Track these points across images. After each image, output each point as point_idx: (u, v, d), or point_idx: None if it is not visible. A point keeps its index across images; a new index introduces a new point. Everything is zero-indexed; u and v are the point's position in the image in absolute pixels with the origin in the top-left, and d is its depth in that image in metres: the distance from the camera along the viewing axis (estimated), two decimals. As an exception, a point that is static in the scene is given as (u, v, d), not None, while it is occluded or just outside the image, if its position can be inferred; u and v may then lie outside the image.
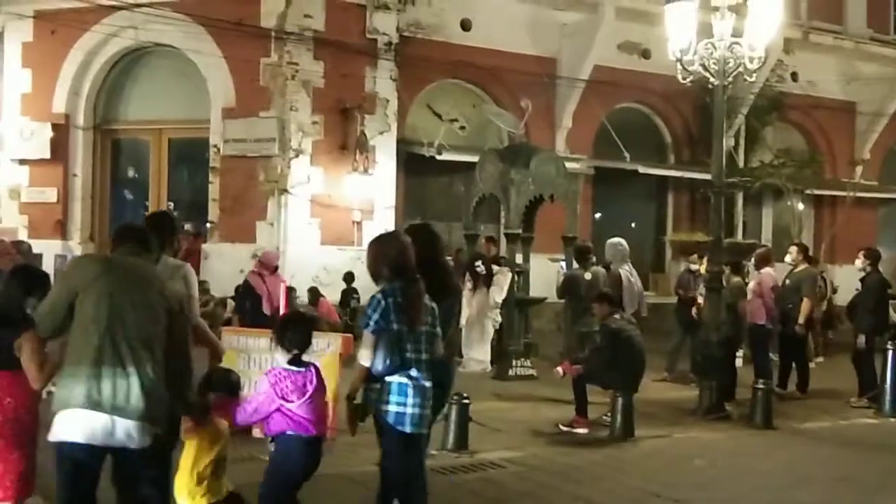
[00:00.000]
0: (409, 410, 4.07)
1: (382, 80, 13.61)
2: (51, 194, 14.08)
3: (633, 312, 9.20)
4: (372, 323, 4.10)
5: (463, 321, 10.93)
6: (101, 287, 3.67)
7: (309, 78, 13.05)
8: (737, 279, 9.70)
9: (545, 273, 11.90)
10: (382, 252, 4.27)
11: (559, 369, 8.03)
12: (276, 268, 9.69)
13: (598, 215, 16.84)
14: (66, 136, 13.99)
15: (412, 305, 4.11)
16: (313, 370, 4.14)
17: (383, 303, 4.08)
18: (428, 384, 4.14)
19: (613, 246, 10.13)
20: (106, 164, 14.42)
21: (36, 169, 14.13)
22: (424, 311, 4.18)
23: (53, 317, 3.72)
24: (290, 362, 4.12)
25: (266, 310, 9.05)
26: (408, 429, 4.08)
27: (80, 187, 14.10)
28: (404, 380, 4.08)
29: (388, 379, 4.07)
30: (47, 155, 13.89)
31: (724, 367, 8.85)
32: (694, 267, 11.31)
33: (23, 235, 13.21)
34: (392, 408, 4.07)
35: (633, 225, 17.17)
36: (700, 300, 9.98)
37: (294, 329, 4.19)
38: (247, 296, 9.36)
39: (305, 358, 4.17)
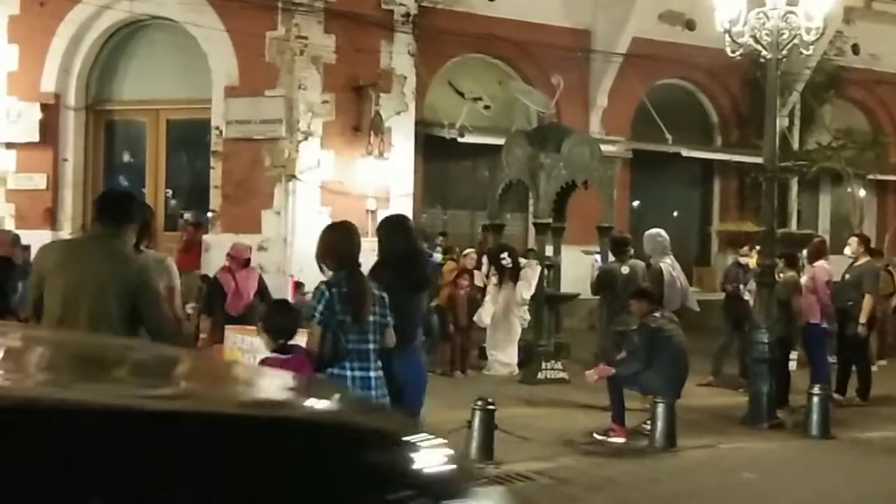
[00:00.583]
0: None
1: (399, 55, 13.60)
2: (39, 181, 14.18)
3: (676, 310, 9.15)
4: (317, 314, 4.52)
5: (487, 319, 10.92)
6: (58, 276, 4.21)
7: (319, 53, 13.06)
8: (791, 273, 9.62)
9: (578, 266, 11.85)
10: (330, 242, 4.67)
11: (592, 373, 8.00)
12: (248, 261, 9.68)
13: (636, 203, 16.76)
14: (56, 117, 14.08)
15: (357, 296, 4.47)
16: (301, 353, 4.49)
17: (327, 294, 4.47)
18: (374, 374, 4.51)
19: (652, 238, 10.07)
20: (99, 148, 14.51)
21: (23, 153, 14.24)
22: (371, 300, 4.53)
23: (31, 302, 4.39)
24: (278, 350, 4.50)
25: (231, 309, 8.98)
26: None
27: (72, 173, 14.20)
28: (345, 371, 4.47)
29: (330, 370, 4.47)
30: (36, 138, 13.99)
31: (776, 370, 8.78)
32: (743, 260, 11.25)
33: (9, 225, 13.34)
34: None
35: (675, 214, 17.08)
36: (748, 297, 9.91)
37: (279, 317, 4.64)
38: (214, 294, 9.32)
39: None
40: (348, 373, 4.46)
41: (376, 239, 5.19)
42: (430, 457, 1.76)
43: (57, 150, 14.14)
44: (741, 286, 10.66)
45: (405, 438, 1.81)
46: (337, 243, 4.65)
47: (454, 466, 1.81)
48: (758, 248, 9.70)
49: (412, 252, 5.02)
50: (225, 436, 1.54)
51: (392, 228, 5.01)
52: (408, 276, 4.79)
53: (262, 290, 9.35)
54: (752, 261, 10.65)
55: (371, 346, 4.52)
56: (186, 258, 11.84)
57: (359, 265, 4.61)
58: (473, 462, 6.56)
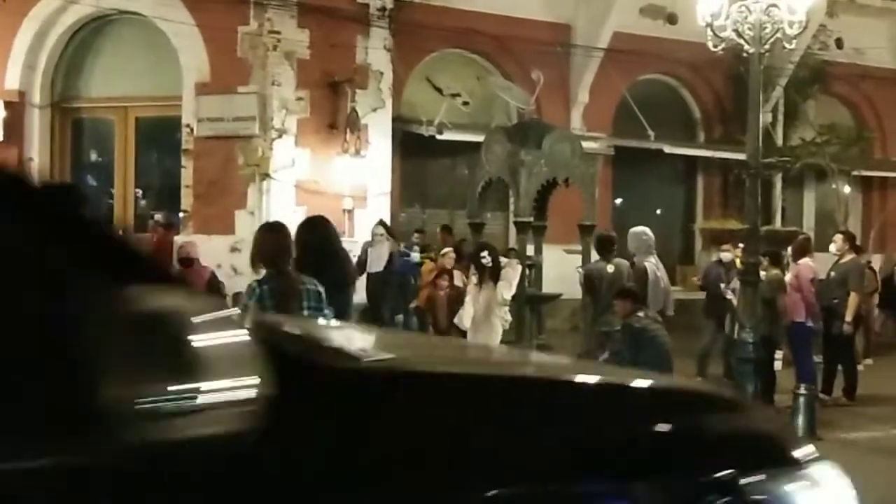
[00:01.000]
0: None
1: (375, 51, 13.60)
2: (4, 181, 14.06)
3: (659, 310, 9.20)
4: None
5: (468, 321, 10.93)
6: None
7: (293, 48, 13.04)
8: (775, 271, 9.70)
9: (559, 266, 11.89)
10: (260, 242, 5.07)
11: None
12: (193, 261, 9.65)
13: (618, 201, 16.83)
14: (21, 115, 13.97)
15: (286, 293, 4.82)
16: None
17: (258, 290, 4.81)
18: None
19: (637, 236, 10.11)
20: (65, 147, 14.41)
21: (-13, 153, 14.12)
22: (303, 296, 4.87)
23: None
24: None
25: None
26: None
27: (37, 173, 14.09)
28: None
29: None
30: (-1, 137, 13.90)
31: (761, 370, 8.86)
32: (725, 257, 11.25)
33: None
34: None
35: (658, 212, 17.17)
36: (731, 296, 9.97)
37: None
38: None
39: None
40: None
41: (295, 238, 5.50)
42: (762, 422, 2.03)
43: (21, 149, 14.03)
44: (722, 285, 10.71)
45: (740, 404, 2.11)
46: (265, 244, 5.04)
47: (786, 433, 2.16)
48: (741, 245, 9.77)
49: (328, 252, 5.39)
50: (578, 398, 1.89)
51: (308, 228, 5.38)
52: (324, 275, 5.05)
53: (214, 289, 9.27)
54: (735, 257, 10.72)
55: None
56: (157, 260, 11.81)
57: (289, 264, 4.94)
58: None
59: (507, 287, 10.83)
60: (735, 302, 9.70)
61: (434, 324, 11.01)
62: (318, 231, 5.39)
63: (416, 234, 13.37)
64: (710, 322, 10.87)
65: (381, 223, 12.16)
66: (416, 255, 12.45)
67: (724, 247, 11.61)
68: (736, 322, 9.55)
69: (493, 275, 10.86)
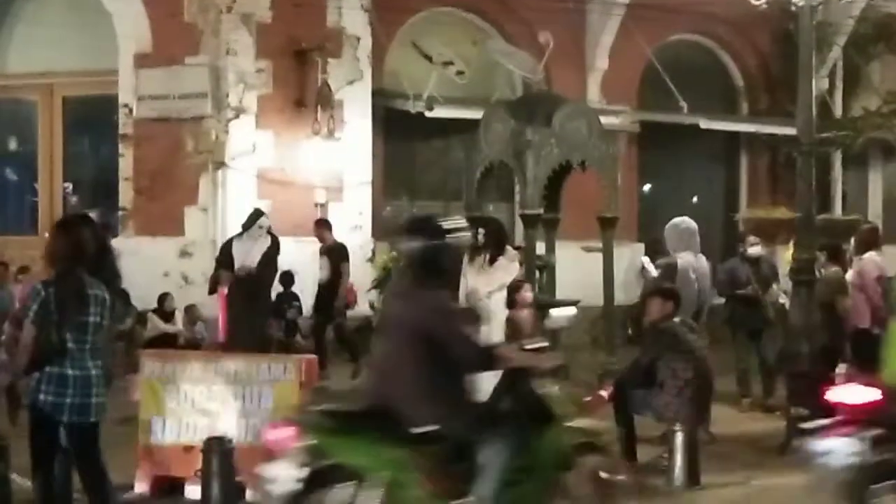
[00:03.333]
0: (67, 400, 5.40)
1: (351, 12, 13.60)
2: None
3: (693, 315, 9.22)
4: (31, 314, 5.45)
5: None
6: None
7: (251, 10, 13.04)
8: (835, 269, 9.70)
9: (577, 267, 11.91)
10: (50, 242, 5.65)
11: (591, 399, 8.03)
12: None
13: (646, 188, 16.85)
14: (-75, 96, 14.00)
15: (71, 296, 5.40)
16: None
17: (43, 293, 5.39)
18: (94, 372, 5.50)
19: (674, 227, 10.15)
20: (-21, 134, 14.43)
21: None
22: (90, 301, 5.46)
23: None
24: None
25: None
26: (65, 418, 5.43)
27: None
28: (63, 370, 5.39)
29: (47, 369, 5.39)
30: None
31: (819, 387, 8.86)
32: (755, 251, 11.15)
33: None
34: (50, 398, 5.40)
35: (694, 200, 17.21)
36: (783, 299, 9.98)
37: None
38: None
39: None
40: (69, 371, 5.39)
41: None
42: None
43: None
44: (751, 286, 10.71)
45: None
46: (54, 244, 5.60)
47: None
48: (794, 239, 9.76)
49: (104, 251, 5.98)
50: None
51: (84, 229, 5.79)
52: (101, 274, 5.66)
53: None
54: (788, 254, 10.72)
55: (88, 345, 5.46)
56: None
57: (78, 266, 5.48)
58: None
59: (499, 279, 10.90)
60: (787, 306, 9.71)
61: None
62: (95, 228, 5.92)
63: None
64: (740, 333, 10.85)
65: (264, 214, 11.45)
66: None
67: (752, 239, 11.52)
68: (784, 331, 9.55)
69: (490, 259, 10.90)
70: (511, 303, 9.82)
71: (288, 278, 12.50)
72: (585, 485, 5.24)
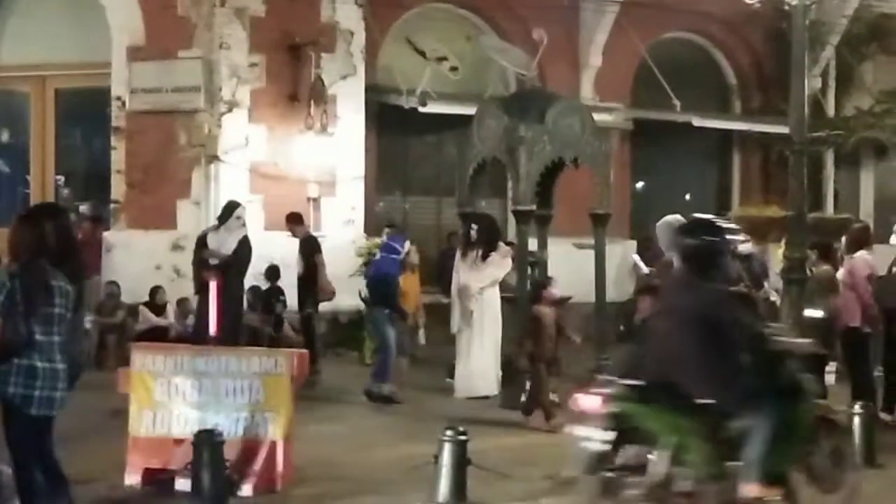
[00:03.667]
0: (36, 393, 5.36)
1: (344, 6, 13.59)
2: None
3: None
4: None
5: (454, 327, 11.00)
6: None
7: (244, 4, 13.02)
8: (825, 267, 9.71)
9: (569, 263, 11.92)
10: (12, 233, 5.59)
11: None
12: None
13: (639, 185, 16.85)
14: (-83, 88, 13.96)
15: (37, 288, 5.40)
16: None
17: (8, 284, 5.37)
18: (61, 366, 5.46)
19: (668, 226, 10.14)
20: (-29, 126, 14.40)
21: None
22: (55, 293, 5.44)
23: None
24: None
25: None
26: (34, 411, 5.38)
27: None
28: (32, 362, 5.36)
29: (16, 361, 5.35)
30: None
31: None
32: (745, 248, 11.15)
33: None
34: (20, 390, 5.35)
35: (686, 197, 17.21)
36: (773, 297, 9.99)
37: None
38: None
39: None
40: (38, 364, 5.35)
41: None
42: None
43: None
44: (742, 283, 10.70)
45: None
46: (18, 234, 5.59)
47: None
48: (785, 238, 9.79)
49: (71, 244, 5.94)
50: None
51: (51, 221, 5.77)
52: (61, 267, 5.61)
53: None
54: (779, 252, 10.74)
55: (56, 338, 5.43)
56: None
57: (41, 257, 5.48)
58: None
59: (493, 274, 10.92)
60: (778, 303, 9.74)
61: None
62: (61, 220, 5.90)
63: (386, 229, 12.38)
64: None
65: (240, 205, 11.14)
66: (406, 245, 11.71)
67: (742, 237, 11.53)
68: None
69: (483, 254, 10.93)
70: (536, 298, 9.96)
71: (274, 273, 12.43)
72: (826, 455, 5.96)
